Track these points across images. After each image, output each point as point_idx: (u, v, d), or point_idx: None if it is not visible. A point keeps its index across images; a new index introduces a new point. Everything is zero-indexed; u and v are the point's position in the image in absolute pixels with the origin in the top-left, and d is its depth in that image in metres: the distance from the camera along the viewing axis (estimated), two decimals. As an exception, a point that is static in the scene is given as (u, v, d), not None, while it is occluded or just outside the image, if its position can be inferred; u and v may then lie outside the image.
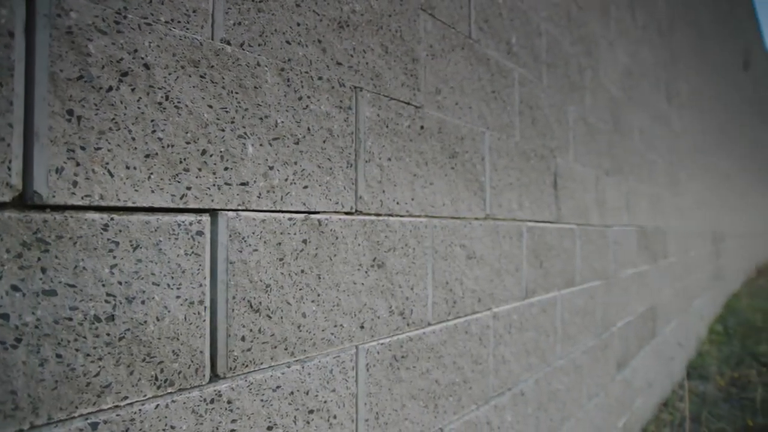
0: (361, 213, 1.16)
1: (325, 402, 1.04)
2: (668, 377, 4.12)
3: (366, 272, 1.16)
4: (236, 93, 0.91)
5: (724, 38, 8.90)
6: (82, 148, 0.69)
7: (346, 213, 1.12)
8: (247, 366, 0.91)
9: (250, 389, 0.91)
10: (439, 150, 1.40)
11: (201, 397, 0.83)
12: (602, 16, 2.82)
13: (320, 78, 1.07)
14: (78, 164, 0.69)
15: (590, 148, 2.47)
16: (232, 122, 0.91)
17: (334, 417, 1.07)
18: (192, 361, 0.82)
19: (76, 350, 0.67)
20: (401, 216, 1.26)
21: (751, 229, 11.75)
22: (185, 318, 0.81)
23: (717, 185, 7.38)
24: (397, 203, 1.25)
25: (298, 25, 1.04)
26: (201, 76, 0.85)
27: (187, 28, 0.83)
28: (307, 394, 1.01)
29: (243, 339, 0.91)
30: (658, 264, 3.85)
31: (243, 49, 0.93)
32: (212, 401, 0.85)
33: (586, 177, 2.38)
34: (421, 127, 1.34)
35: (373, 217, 1.18)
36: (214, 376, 0.87)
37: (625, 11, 3.31)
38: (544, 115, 1.98)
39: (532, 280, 1.85)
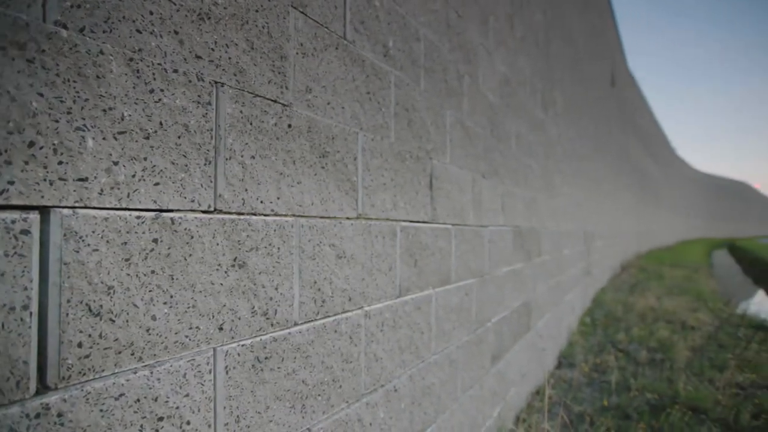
0: (221, 212, 1.12)
1: (177, 408, 1.00)
2: (541, 367, 4.42)
3: (226, 272, 1.13)
4: (74, 82, 0.85)
5: (595, 56, 9.73)
6: None
7: (204, 211, 1.09)
8: (84, 374, 0.85)
9: (87, 399, 0.85)
10: (308, 149, 1.39)
11: (22, 412, 0.76)
12: (481, 25, 2.96)
13: (176, 71, 1.03)
14: None
15: (468, 152, 2.59)
16: (69, 113, 0.84)
17: (188, 423, 1.03)
18: (12, 374, 0.75)
19: None
20: (266, 215, 1.24)
21: (618, 230, 12.96)
22: (3, 326, 0.74)
23: (589, 189, 8.05)
24: (261, 202, 1.23)
25: (151, 13, 0.99)
26: (28, 61, 0.78)
27: (8, 5, 0.76)
28: (156, 400, 0.96)
29: (80, 345, 0.84)
30: (533, 262, 4.12)
31: (83, 35, 0.87)
32: (38, 416, 0.78)
33: (462, 179, 2.49)
34: (289, 126, 1.33)
35: (234, 216, 1.15)
36: (43, 388, 0.80)
37: (504, 22, 3.50)
38: (421, 117, 2.05)
39: (407, 279, 1.90)
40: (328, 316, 1.46)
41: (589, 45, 8.81)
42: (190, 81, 1.06)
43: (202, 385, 1.06)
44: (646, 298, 8.72)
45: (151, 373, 0.96)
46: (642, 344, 5.78)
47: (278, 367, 1.27)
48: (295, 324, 1.33)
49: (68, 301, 0.83)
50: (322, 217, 1.44)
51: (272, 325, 1.26)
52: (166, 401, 0.98)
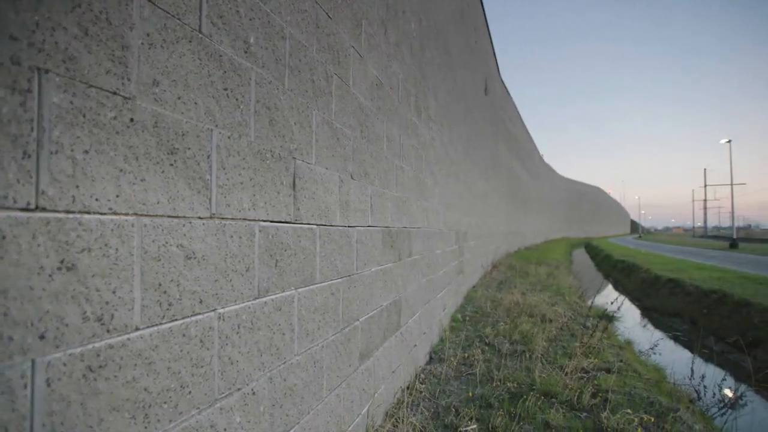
0: (44, 210, 1.03)
1: (-19, 428, 0.90)
2: (412, 363, 4.58)
3: (50, 276, 1.04)
4: None
5: (470, 65, 10.29)
6: None
7: (22, 209, 0.99)
8: None
9: None
10: (154, 145, 1.32)
11: None
12: (354, 28, 3.00)
13: (-15, 53, 0.93)
14: None
15: (335, 152, 2.61)
16: None
17: (-3, 444, 0.93)
18: None
19: None
20: (102, 214, 1.16)
21: (490, 231, 13.80)
22: None
23: (461, 191, 8.48)
24: (97, 200, 1.15)
25: (-47, -14, 0.88)
26: None
27: None
28: (-48, 421, 0.86)
29: None
30: (404, 261, 4.26)
31: None
32: None
33: (329, 179, 2.51)
34: (131, 120, 1.25)
35: (61, 215, 1.06)
36: None
37: (378, 27, 3.58)
38: (284, 116, 2.03)
39: (266, 280, 1.87)
40: (176, 320, 1.39)
41: (464, 55, 9.29)
42: (1, 64, 0.96)
43: (14, 402, 0.96)
44: (513, 294, 9.37)
45: (-52, 390, 0.85)
46: (506, 337, 6.20)
47: (115, 376, 1.19)
48: (137, 329, 1.26)
49: None
50: (169, 217, 1.37)
51: (108, 330, 1.18)
52: (-33, 421, 0.88)
